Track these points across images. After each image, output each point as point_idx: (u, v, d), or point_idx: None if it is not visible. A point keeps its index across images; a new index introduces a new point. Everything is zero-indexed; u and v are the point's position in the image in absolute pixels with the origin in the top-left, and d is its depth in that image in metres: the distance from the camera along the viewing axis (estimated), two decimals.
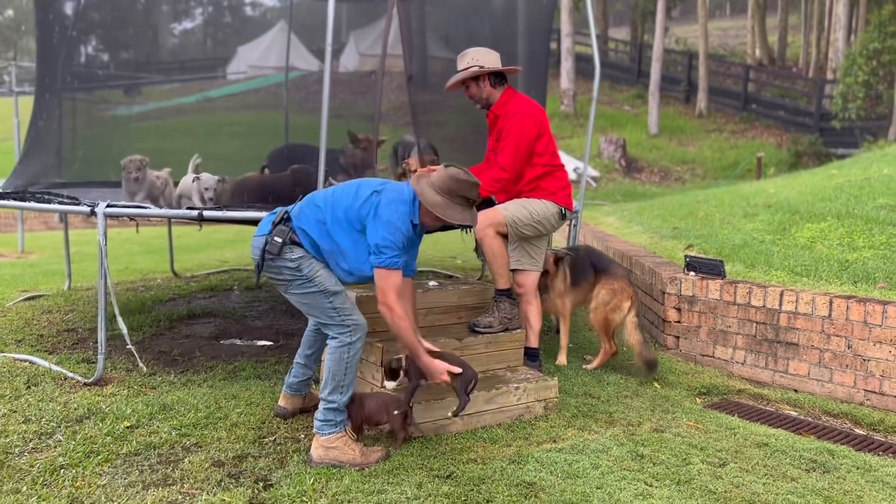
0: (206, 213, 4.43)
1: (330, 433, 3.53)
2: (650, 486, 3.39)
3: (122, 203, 4.49)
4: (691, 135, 22.45)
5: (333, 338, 3.60)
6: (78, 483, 3.26)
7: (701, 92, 23.96)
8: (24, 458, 3.49)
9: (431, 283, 4.94)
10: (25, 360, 4.82)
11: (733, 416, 4.58)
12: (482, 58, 4.64)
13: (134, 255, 10.30)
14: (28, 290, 7.19)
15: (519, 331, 4.61)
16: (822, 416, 4.78)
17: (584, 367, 5.30)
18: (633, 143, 20.69)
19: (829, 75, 23.19)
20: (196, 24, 9.82)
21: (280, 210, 3.69)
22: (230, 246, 11.35)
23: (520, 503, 3.15)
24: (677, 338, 5.81)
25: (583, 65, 24.27)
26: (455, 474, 3.42)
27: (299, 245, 3.57)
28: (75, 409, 4.06)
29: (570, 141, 20.73)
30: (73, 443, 3.64)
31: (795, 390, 5.16)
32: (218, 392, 4.42)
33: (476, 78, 4.66)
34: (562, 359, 5.32)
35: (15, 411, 4.02)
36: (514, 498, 3.19)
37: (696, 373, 5.45)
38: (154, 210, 4.51)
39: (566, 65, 22.78)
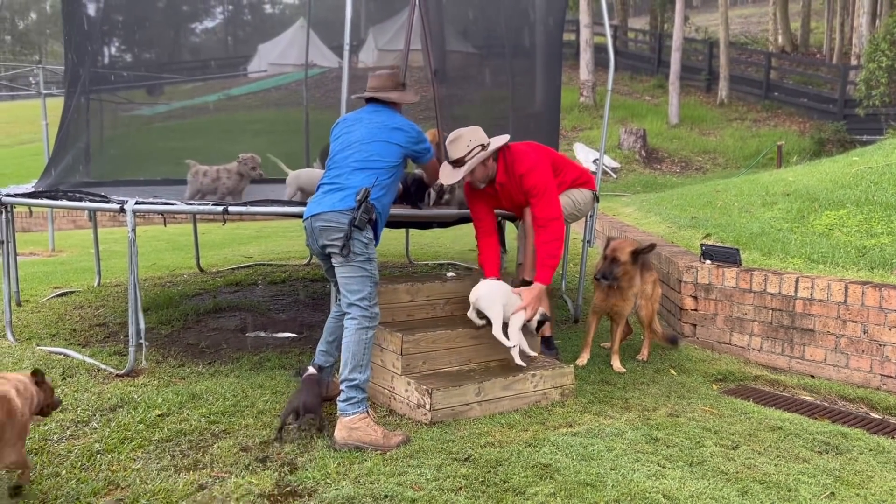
0: (232, 209, 4.56)
1: (353, 413, 3.68)
2: (663, 467, 3.48)
3: (150, 200, 4.64)
4: (712, 124, 22.29)
5: (353, 319, 3.84)
6: (114, 467, 3.42)
7: (722, 80, 23.78)
8: (63, 444, 3.66)
9: (450, 273, 5.05)
10: (60, 353, 5.01)
11: (749, 401, 4.65)
12: (478, 137, 4.47)
13: (161, 252, 10.51)
14: (60, 287, 7.41)
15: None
16: (838, 401, 4.83)
17: (637, 358, 5.36)
18: (654, 133, 20.58)
19: (853, 61, 22.89)
20: (217, 22, 9.96)
21: (361, 188, 3.88)
22: (254, 242, 11.53)
23: (536, 484, 3.26)
24: (694, 325, 5.87)
25: (602, 56, 24.16)
26: (473, 457, 3.54)
27: (374, 227, 3.92)
28: (109, 398, 4.24)
29: (589, 132, 20.70)
30: (108, 430, 3.81)
31: (812, 376, 5.21)
32: (244, 382, 4.58)
33: (485, 161, 4.52)
34: (617, 364, 5.13)
35: None
36: (531, 479, 3.30)
37: (713, 360, 5.51)
38: (181, 206, 4.67)
39: (585, 56, 22.70)
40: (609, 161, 18.53)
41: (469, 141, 4.42)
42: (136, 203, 4.53)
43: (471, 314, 4.37)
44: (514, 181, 4.62)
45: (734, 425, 4.12)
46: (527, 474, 3.34)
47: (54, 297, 6.94)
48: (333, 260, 3.92)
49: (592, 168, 18.36)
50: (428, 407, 3.92)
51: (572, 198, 5.07)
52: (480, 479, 3.29)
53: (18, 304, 6.44)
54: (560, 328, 6.08)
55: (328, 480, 3.33)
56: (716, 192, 9.80)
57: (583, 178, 5.20)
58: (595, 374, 4.98)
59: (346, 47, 4.59)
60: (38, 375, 3.27)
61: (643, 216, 9.45)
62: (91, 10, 7.30)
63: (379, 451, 3.61)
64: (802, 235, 6.62)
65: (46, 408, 3.32)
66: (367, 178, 3.90)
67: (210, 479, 3.33)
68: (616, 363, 5.14)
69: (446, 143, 4.48)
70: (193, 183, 5.35)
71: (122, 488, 3.22)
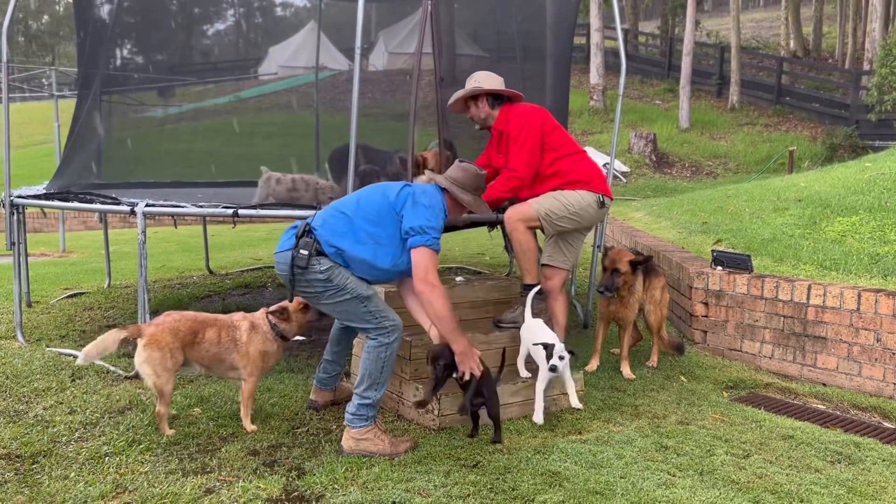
0: (241, 212, 4.56)
1: (361, 426, 3.65)
2: (673, 476, 3.45)
3: (161, 202, 4.65)
4: (723, 129, 22.19)
5: (371, 339, 3.70)
6: (122, 470, 3.42)
7: (733, 85, 23.67)
8: (71, 446, 3.66)
9: (458, 278, 5.04)
10: (70, 355, 5.02)
11: (760, 409, 4.61)
12: (484, 80, 4.78)
13: (171, 254, 10.54)
14: (70, 288, 7.44)
15: None
16: (850, 410, 4.79)
17: (647, 364, 5.32)
18: (664, 137, 20.50)
19: (866, 66, 22.76)
20: (228, 25, 10.00)
21: (300, 223, 3.76)
22: (264, 244, 11.54)
23: (545, 491, 3.23)
24: (704, 332, 5.83)
25: (612, 59, 24.12)
26: (481, 463, 3.52)
27: (325, 255, 3.63)
28: (118, 400, 4.24)
29: (599, 136, 20.64)
30: (117, 433, 3.81)
31: (824, 384, 5.17)
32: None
33: (475, 98, 4.78)
34: (627, 371, 5.07)
35: (61, 402, 4.21)
36: (539, 486, 3.28)
37: (724, 367, 5.47)
38: (191, 208, 4.67)
39: (595, 60, 22.64)
40: (619, 165, 18.46)
41: (475, 81, 4.77)
42: (147, 206, 4.53)
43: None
44: (506, 133, 4.74)
45: (745, 433, 4.08)
46: (535, 482, 3.32)
47: (64, 298, 6.96)
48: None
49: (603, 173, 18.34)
50: (436, 412, 3.90)
51: (562, 200, 4.62)
52: (489, 487, 3.27)
53: (29, 305, 6.47)
54: (570, 334, 6.04)
55: (336, 486, 3.31)
56: (727, 198, 9.75)
57: (587, 179, 4.72)
58: (605, 380, 4.95)
59: (358, 51, 4.59)
60: None
61: (653, 221, 9.40)
62: (104, 12, 7.34)
63: (387, 458, 3.59)
64: (815, 242, 6.57)
65: None
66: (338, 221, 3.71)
67: (218, 483, 3.32)
68: (626, 369, 5.11)
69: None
70: (265, 188, 5.33)
71: (130, 491, 3.21)
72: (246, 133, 8.81)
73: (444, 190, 3.86)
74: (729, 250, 6.22)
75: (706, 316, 5.81)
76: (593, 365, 5.19)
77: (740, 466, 3.60)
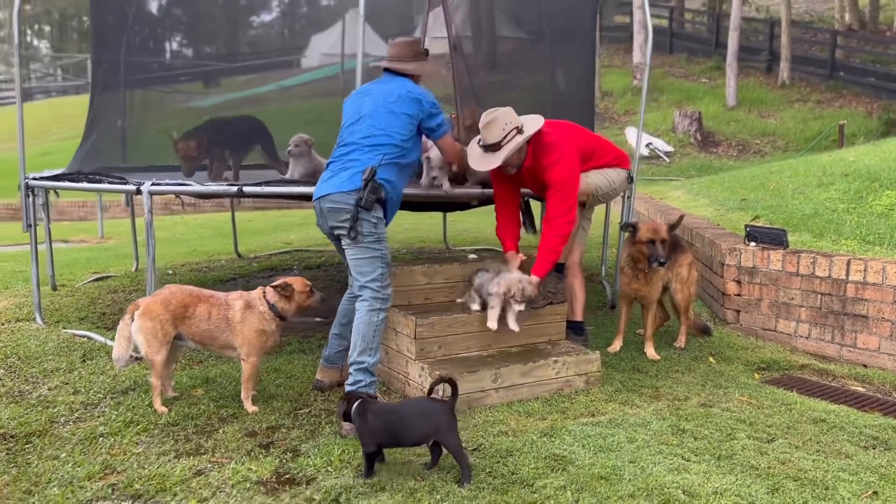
0: (246, 189, 4.46)
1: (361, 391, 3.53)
2: (687, 460, 3.22)
3: (167, 181, 4.57)
4: (772, 106, 21.39)
5: (365, 301, 3.69)
6: (114, 451, 3.35)
7: (783, 61, 22.79)
8: (68, 427, 3.61)
9: (471, 256, 4.86)
10: (84, 336, 5.00)
11: (791, 391, 4.33)
12: (513, 119, 4.16)
13: (204, 239, 10.58)
14: (99, 272, 7.48)
15: (563, 304, 4.48)
16: (892, 393, 4.47)
17: (675, 345, 5.07)
18: (710, 116, 19.86)
19: None
20: (273, 15, 10.01)
21: (367, 167, 3.70)
22: (297, 228, 11.51)
23: (546, 476, 3.05)
24: (737, 311, 5.54)
25: (657, 38, 23.51)
26: (483, 446, 3.35)
27: (383, 206, 3.76)
28: (123, 381, 4.19)
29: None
30: (116, 413, 3.75)
31: (864, 365, 4.85)
32: (261, 365, 4.46)
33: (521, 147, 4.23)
34: (651, 351, 4.84)
35: (67, 383, 4.17)
36: (541, 470, 3.09)
37: (757, 347, 5.18)
38: (195, 187, 4.59)
39: (638, 38, 22.04)
40: (662, 145, 17.96)
41: (505, 124, 4.11)
42: (153, 185, 4.46)
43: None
44: (539, 169, 4.37)
45: (772, 417, 3.82)
46: (537, 466, 3.14)
47: (90, 281, 6.99)
48: (343, 242, 3.77)
49: (645, 152, 17.89)
50: (441, 393, 3.73)
51: (608, 177, 4.81)
52: (487, 470, 3.10)
53: (54, 289, 6.50)
54: (596, 314, 5.83)
55: (329, 468, 3.18)
56: (769, 174, 9.33)
57: (620, 159, 4.93)
58: (627, 361, 4.73)
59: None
60: None
61: (691, 199, 9.06)
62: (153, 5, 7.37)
63: None
64: (859, 216, 6.19)
65: None
66: (373, 156, 3.72)
67: (209, 465, 3.23)
68: (650, 350, 4.87)
69: (480, 125, 4.20)
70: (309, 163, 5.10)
71: (119, 472, 3.13)
72: (289, 121, 8.76)
73: (402, 75, 4.03)
74: (763, 225, 5.90)
75: (739, 294, 5.52)
76: (616, 346, 4.96)
77: (762, 451, 3.35)
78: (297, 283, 3.92)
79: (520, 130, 4.15)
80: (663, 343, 5.14)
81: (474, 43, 7.71)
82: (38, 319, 5.39)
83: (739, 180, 9.45)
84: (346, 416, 3.26)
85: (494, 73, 7.87)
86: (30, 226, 5.30)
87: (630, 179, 5.13)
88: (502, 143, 4.12)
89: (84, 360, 4.56)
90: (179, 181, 4.64)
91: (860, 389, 4.50)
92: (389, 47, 4.10)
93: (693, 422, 3.67)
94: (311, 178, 4.55)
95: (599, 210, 5.49)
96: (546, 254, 4.24)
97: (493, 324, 4.08)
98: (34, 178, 5.22)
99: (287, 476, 3.14)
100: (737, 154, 18.35)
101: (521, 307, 4.05)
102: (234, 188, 4.42)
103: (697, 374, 4.55)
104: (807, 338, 5.14)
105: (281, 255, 8.38)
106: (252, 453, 3.35)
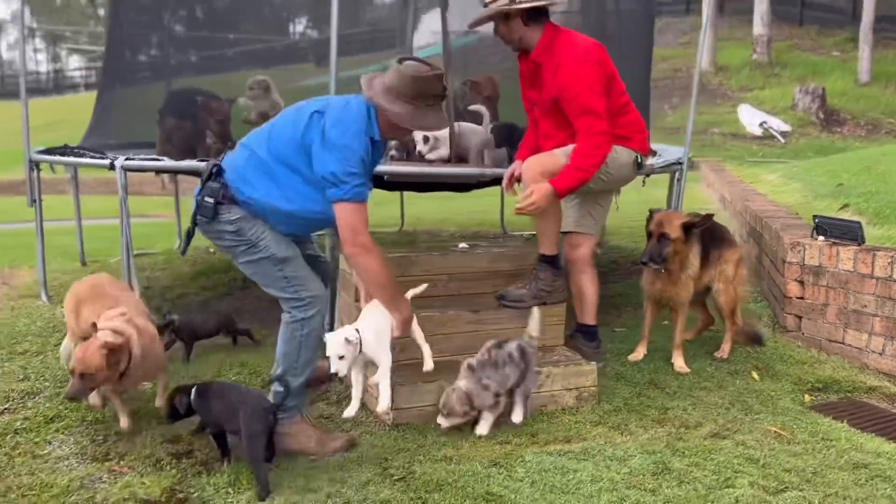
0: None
1: (281, 418, 3.03)
2: None
3: (141, 157, 4.28)
4: None
5: (286, 312, 3.06)
6: (17, 450, 3.07)
7: None
8: None
9: (461, 245, 4.27)
10: None
11: (842, 421, 3.51)
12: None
13: None
14: (141, 249, 7.41)
15: (559, 305, 3.83)
16: None
17: (715, 354, 4.32)
18: (837, 92, 17.97)
19: None
20: None
21: (209, 163, 3.10)
22: None
23: None
24: (799, 318, 4.66)
25: (782, 8, 21.59)
26: (413, 475, 2.81)
27: (237, 203, 2.99)
28: None
29: (759, 92, 18.50)
30: (48, 405, 3.49)
31: None
32: (232, 358, 4.14)
33: (506, 16, 3.70)
34: (680, 363, 4.12)
35: (24, 368, 3.97)
36: None
37: (817, 362, 4.32)
38: (170, 163, 4.26)
39: (760, 7, 20.25)
40: (778, 124, 16.41)
41: None
42: (126, 160, 4.18)
43: None
44: (550, 69, 3.67)
45: (798, 457, 3.06)
46: None
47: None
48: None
49: (758, 132, 16.40)
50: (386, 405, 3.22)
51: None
52: None
53: (83, 264, 6.47)
54: (630, 316, 5.09)
55: (230, 489, 2.76)
56: (882, 156, 8.12)
57: (626, 135, 3.85)
58: (646, 373, 4.02)
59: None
60: None
61: (783, 184, 8.00)
62: None
63: (312, 458, 2.98)
64: None
65: None
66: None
67: (106, 475, 2.88)
68: (678, 361, 4.14)
69: None
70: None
71: (1, 479, 2.83)
72: None
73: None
74: (838, 217, 4.96)
75: (801, 297, 4.64)
76: (639, 354, 4.25)
77: None
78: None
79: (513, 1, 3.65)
80: (702, 352, 4.39)
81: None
82: (43, 296, 5.29)
83: (844, 163, 8.29)
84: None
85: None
86: (34, 201, 5.19)
87: (639, 165, 3.96)
88: (487, 1, 3.73)
89: (57, 345, 4.34)
90: (153, 156, 4.33)
91: None
92: (392, 72, 3.00)
93: (688, 459, 2.98)
94: (267, 116, 4.16)
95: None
96: (572, 170, 3.57)
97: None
98: (38, 152, 5.09)
99: (180, 496, 2.74)
100: (865, 134, 16.50)
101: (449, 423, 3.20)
102: (214, 165, 4.05)
103: (727, 394, 3.79)
104: (880, 354, 4.23)
105: None
106: (160, 464, 2.97)
